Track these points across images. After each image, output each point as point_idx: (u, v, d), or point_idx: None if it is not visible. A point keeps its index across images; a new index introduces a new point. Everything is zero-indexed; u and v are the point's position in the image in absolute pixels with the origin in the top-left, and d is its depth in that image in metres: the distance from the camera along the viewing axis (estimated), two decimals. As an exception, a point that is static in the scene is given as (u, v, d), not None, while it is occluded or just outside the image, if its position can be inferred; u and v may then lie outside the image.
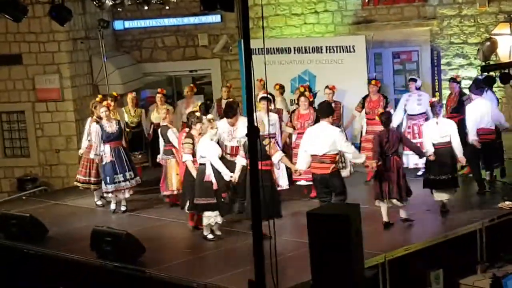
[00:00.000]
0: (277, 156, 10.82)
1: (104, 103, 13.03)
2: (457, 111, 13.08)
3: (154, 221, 12.24)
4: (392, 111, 13.22)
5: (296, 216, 11.37)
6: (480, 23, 16.06)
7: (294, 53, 15.73)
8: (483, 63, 10.78)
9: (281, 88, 14.07)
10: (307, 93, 13.12)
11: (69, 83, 16.08)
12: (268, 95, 12.08)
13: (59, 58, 16.01)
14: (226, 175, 10.74)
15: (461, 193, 11.95)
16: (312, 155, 10.81)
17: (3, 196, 15.96)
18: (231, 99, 13.94)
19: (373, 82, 13.74)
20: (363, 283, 7.91)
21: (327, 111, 11.07)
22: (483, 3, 15.92)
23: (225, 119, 11.92)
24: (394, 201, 10.82)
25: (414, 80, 13.99)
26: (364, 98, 13.76)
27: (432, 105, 11.58)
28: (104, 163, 12.53)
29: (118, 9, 15.75)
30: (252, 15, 16.14)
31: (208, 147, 10.64)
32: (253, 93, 7.26)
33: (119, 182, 12.48)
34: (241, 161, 10.90)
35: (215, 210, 10.71)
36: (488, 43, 11.19)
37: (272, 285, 7.21)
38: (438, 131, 11.26)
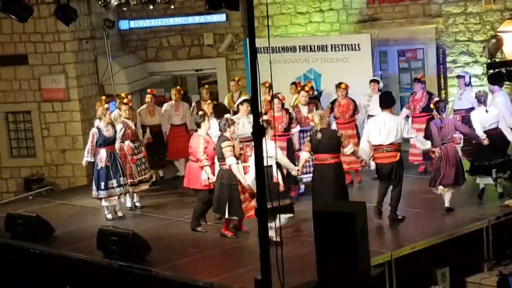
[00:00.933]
0: (350, 148, 10.88)
1: (125, 100, 13.08)
2: (427, 110, 12.96)
3: (160, 220, 12.25)
4: (361, 117, 13.22)
5: (302, 214, 11.35)
6: (486, 20, 16.02)
7: (299, 51, 15.72)
8: (489, 61, 10.76)
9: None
10: (280, 94, 12.88)
11: (75, 83, 16.10)
12: (247, 97, 12.33)
13: (64, 58, 16.03)
14: (293, 169, 10.91)
15: (467, 190, 11.92)
16: (376, 146, 11.04)
17: (9, 196, 15.99)
18: (215, 102, 13.98)
19: (342, 85, 13.29)
20: (369, 282, 7.90)
21: (389, 101, 11.31)
22: (489, 1, 15.87)
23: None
24: (448, 187, 11.17)
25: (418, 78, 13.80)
26: (333, 103, 13.50)
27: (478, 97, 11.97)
28: (99, 167, 12.15)
29: (124, 8, 15.77)
30: (257, 14, 16.13)
31: (271, 147, 10.32)
32: (259, 92, 7.26)
33: (113, 187, 12.14)
34: (304, 155, 10.97)
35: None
36: (493, 40, 11.17)
37: (278, 284, 7.20)
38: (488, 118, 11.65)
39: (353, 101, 13.43)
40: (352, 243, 7.70)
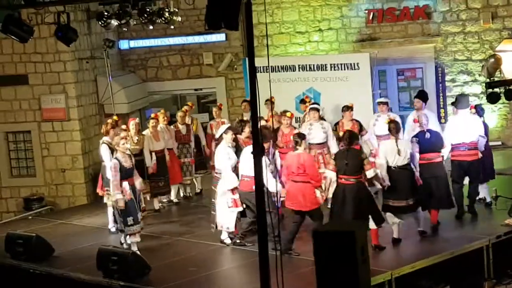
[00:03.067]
0: (371, 172, 10.65)
1: (124, 127, 12.51)
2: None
3: (160, 239, 12.23)
4: (366, 136, 13.09)
5: (303, 232, 11.32)
6: (484, 39, 16.12)
7: (299, 70, 15.77)
8: (488, 80, 10.79)
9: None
10: (289, 113, 12.93)
11: (75, 102, 16.11)
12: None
13: (64, 78, 16.07)
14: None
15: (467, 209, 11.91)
16: (456, 144, 11.47)
17: (9, 216, 15.96)
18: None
19: (288, 114, 12.89)
20: (369, 301, 7.88)
21: (466, 102, 11.87)
22: (487, 20, 15.99)
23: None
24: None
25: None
26: (336, 124, 13.23)
27: None
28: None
29: (124, 29, 15.83)
30: (257, 33, 16.22)
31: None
32: (258, 111, 7.28)
33: (133, 224, 11.14)
34: (330, 174, 10.85)
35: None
36: (492, 59, 11.21)
37: (279, 303, 7.20)
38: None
39: (357, 121, 13.12)
40: (352, 262, 7.69)
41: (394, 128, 10.86)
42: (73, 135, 16.16)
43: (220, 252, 11.20)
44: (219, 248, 11.27)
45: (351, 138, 10.61)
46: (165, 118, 14.02)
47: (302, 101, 14.42)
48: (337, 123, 13.32)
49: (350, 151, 10.54)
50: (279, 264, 7.28)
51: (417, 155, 11.04)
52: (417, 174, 10.94)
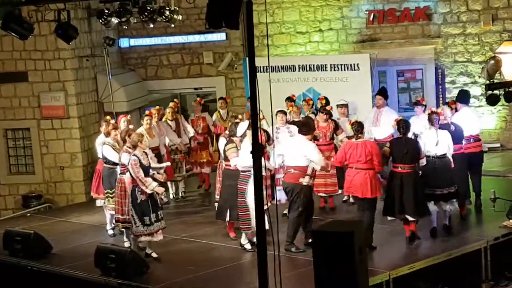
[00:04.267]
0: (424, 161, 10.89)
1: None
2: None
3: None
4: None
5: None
6: (485, 41, 16.12)
7: (299, 71, 15.78)
8: (488, 82, 10.80)
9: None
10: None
11: (74, 100, 16.12)
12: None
13: (64, 76, 16.08)
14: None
15: (467, 211, 11.91)
16: (466, 137, 11.63)
17: (7, 213, 15.98)
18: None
19: (328, 107, 12.99)
20: (367, 301, 7.88)
21: (469, 97, 12.14)
22: (488, 22, 15.99)
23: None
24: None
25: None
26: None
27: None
28: (138, 201, 10.67)
29: (124, 27, 15.81)
30: (257, 33, 16.22)
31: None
32: (258, 111, 7.28)
33: (150, 224, 10.77)
34: None
35: None
36: (492, 61, 11.22)
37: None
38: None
39: (334, 121, 12.88)
40: (350, 262, 7.69)
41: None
42: (72, 132, 16.16)
43: (219, 251, 11.19)
44: (218, 247, 11.27)
45: (407, 127, 10.78)
46: (157, 115, 13.74)
47: (289, 99, 14.29)
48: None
49: (409, 140, 10.75)
50: (278, 264, 7.28)
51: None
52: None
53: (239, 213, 10.93)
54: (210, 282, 10.12)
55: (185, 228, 12.39)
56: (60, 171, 16.28)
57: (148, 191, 10.55)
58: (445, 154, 11.03)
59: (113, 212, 11.68)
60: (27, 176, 16.53)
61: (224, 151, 11.36)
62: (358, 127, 10.77)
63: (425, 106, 13.09)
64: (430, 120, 11.09)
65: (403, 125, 10.78)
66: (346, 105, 13.35)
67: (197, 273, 10.39)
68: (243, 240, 11.03)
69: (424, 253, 10.52)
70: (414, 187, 10.63)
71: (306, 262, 9.79)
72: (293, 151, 10.70)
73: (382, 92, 13.45)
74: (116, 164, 11.45)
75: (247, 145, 10.69)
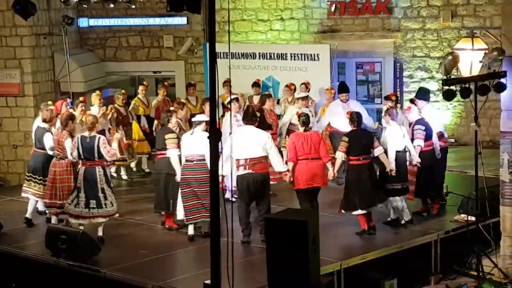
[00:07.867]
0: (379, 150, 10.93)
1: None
2: None
3: (110, 220, 12.11)
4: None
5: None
6: (443, 37, 16.29)
7: (259, 58, 15.79)
8: (445, 77, 10.91)
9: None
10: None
11: (30, 78, 15.89)
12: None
13: (21, 53, 15.83)
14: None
15: (417, 205, 12.05)
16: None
17: (-43, 191, 15.71)
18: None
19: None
20: (318, 290, 7.94)
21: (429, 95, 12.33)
22: (447, 18, 16.17)
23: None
24: None
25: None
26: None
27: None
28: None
29: (84, 6, 15.62)
30: (219, 19, 16.13)
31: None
32: (217, 96, 7.26)
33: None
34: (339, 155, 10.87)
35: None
36: (450, 57, 11.29)
37: (228, 289, 7.20)
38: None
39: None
40: (303, 251, 7.74)
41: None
42: (27, 111, 15.94)
43: (171, 236, 11.15)
44: (170, 232, 11.22)
45: (359, 119, 10.87)
46: (101, 99, 13.65)
47: (255, 84, 14.40)
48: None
49: (363, 132, 10.95)
50: (231, 251, 7.28)
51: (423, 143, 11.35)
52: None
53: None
54: (161, 266, 10.09)
55: (137, 211, 12.32)
56: (13, 150, 16.07)
57: (116, 151, 10.75)
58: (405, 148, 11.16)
59: (35, 198, 11.65)
60: (-21, 154, 16.29)
61: (164, 139, 11.04)
62: (306, 119, 10.81)
63: (397, 99, 13.20)
64: (390, 114, 11.17)
65: (355, 117, 10.86)
66: (306, 97, 13.41)
67: (149, 257, 10.34)
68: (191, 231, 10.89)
69: (376, 244, 10.63)
70: (370, 178, 10.72)
71: (259, 249, 9.82)
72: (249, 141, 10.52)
73: (345, 88, 13.58)
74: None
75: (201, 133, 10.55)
